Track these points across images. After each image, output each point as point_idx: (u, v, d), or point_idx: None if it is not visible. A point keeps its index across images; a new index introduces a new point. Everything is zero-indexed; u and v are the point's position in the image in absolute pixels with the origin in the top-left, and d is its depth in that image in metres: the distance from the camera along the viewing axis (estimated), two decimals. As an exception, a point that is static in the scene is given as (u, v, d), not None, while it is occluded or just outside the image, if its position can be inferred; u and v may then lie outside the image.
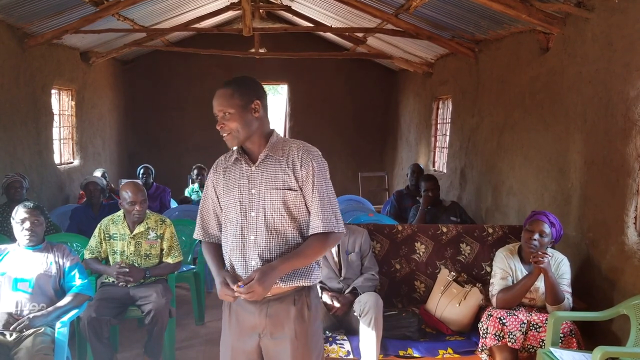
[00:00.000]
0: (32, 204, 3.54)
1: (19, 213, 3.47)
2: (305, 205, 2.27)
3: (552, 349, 3.15)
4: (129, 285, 3.95)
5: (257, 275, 2.11)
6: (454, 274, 3.96)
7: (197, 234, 2.46)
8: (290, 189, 2.23)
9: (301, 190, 2.25)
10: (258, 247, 2.24)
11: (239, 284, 2.15)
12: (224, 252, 2.36)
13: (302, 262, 2.24)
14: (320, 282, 2.59)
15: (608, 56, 3.72)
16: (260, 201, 2.25)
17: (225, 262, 2.35)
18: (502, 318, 3.36)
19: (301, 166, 2.23)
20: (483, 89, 6.20)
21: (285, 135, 10.68)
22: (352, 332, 3.60)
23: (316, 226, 2.23)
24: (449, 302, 3.78)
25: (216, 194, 2.37)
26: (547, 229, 3.53)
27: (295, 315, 2.26)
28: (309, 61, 9.65)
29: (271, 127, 2.38)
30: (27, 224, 3.46)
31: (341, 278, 3.84)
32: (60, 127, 7.44)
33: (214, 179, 2.38)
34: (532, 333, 3.35)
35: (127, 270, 3.88)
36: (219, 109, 2.27)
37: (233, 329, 2.35)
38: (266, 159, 2.27)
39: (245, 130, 2.26)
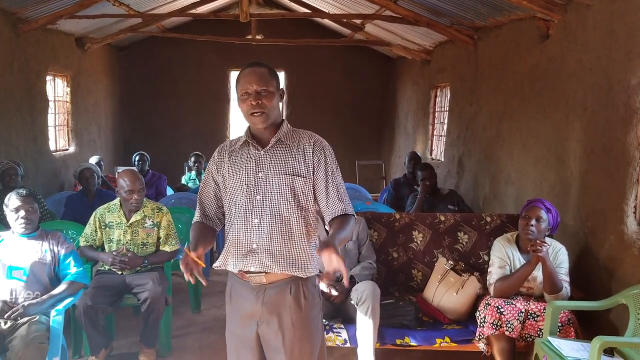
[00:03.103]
0: (25, 192, 3.49)
1: (13, 201, 3.42)
2: (314, 193, 2.29)
3: (550, 338, 3.14)
4: (125, 273, 3.93)
5: (330, 247, 2.02)
6: (451, 262, 3.95)
7: (196, 217, 2.43)
8: (299, 175, 2.23)
9: (311, 178, 2.26)
10: (261, 231, 2.23)
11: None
12: (227, 234, 2.33)
13: (346, 235, 2.21)
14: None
15: (609, 44, 3.68)
16: (267, 185, 2.24)
17: (227, 245, 2.32)
18: (499, 307, 3.35)
19: (313, 153, 2.26)
20: (482, 77, 6.16)
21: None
22: (349, 321, 3.59)
23: (338, 209, 2.24)
24: (446, 291, 3.76)
25: (222, 176, 2.35)
26: (543, 214, 3.51)
27: (291, 303, 2.24)
28: (306, 48, 9.58)
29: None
30: (22, 212, 3.41)
31: (338, 266, 3.82)
32: (55, 114, 7.37)
33: (218, 161, 2.36)
34: (529, 322, 3.34)
35: (127, 259, 3.87)
36: (260, 85, 2.21)
37: (234, 317, 2.36)
38: (277, 144, 2.27)
39: (274, 113, 2.27)
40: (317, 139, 2.31)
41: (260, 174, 2.25)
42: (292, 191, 2.23)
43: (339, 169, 2.31)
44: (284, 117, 2.38)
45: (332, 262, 2.00)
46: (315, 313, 2.33)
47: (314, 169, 2.25)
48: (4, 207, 3.47)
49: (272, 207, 2.23)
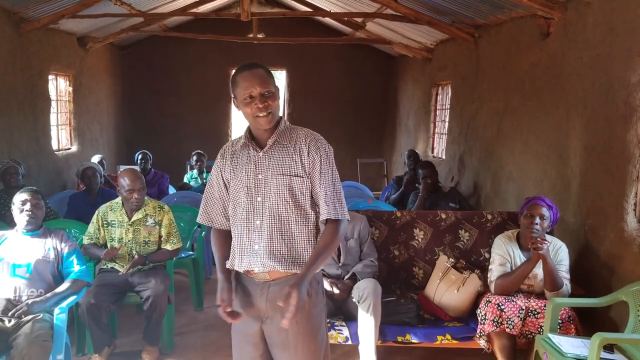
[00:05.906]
0: (33, 188, 3.57)
1: (21, 195, 3.48)
2: (312, 192, 2.29)
3: (550, 335, 3.15)
4: (127, 273, 3.94)
5: (293, 291, 2.09)
6: (452, 260, 3.96)
7: (201, 219, 2.46)
8: (296, 175, 2.24)
9: (308, 177, 2.26)
10: (262, 231, 2.26)
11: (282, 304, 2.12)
12: (232, 235, 2.36)
13: (324, 258, 2.25)
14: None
15: (609, 41, 3.69)
16: (267, 187, 2.26)
17: (233, 246, 2.35)
18: (500, 304, 3.36)
19: (308, 153, 2.25)
20: (483, 75, 6.16)
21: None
22: (350, 318, 3.60)
23: (326, 212, 2.25)
24: (447, 289, 3.78)
25: (223, 179, 2.37)
26: (546, 212, 3.52)
27: None
28: (307, 47, 9.58)
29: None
30: (28, 205, 3.44)
31: (340, 264, 3.84)
32: (57, 113, 7.39)
33: (221, 164, 2.38)
34: (530, 319, 3.35)
35: (117, 250, 3.89)
36: (263, 87, 2.22)
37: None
38: (274, 145, 2.28)
39: (277, 112, 2.30)
40: (313, 137, 2.30)
41: (260, 176, 2.27)
42: (290, 191, 2.24)
43: (334, 167, 2.30)
44: (282, 115, 2.39)
45: (289, 302, 2.07)
46: (318, 310, 2.33)
47: (310, 169, 2.26)
48: (12, 204, 3.51)
49: (272, 208, 2.25)
